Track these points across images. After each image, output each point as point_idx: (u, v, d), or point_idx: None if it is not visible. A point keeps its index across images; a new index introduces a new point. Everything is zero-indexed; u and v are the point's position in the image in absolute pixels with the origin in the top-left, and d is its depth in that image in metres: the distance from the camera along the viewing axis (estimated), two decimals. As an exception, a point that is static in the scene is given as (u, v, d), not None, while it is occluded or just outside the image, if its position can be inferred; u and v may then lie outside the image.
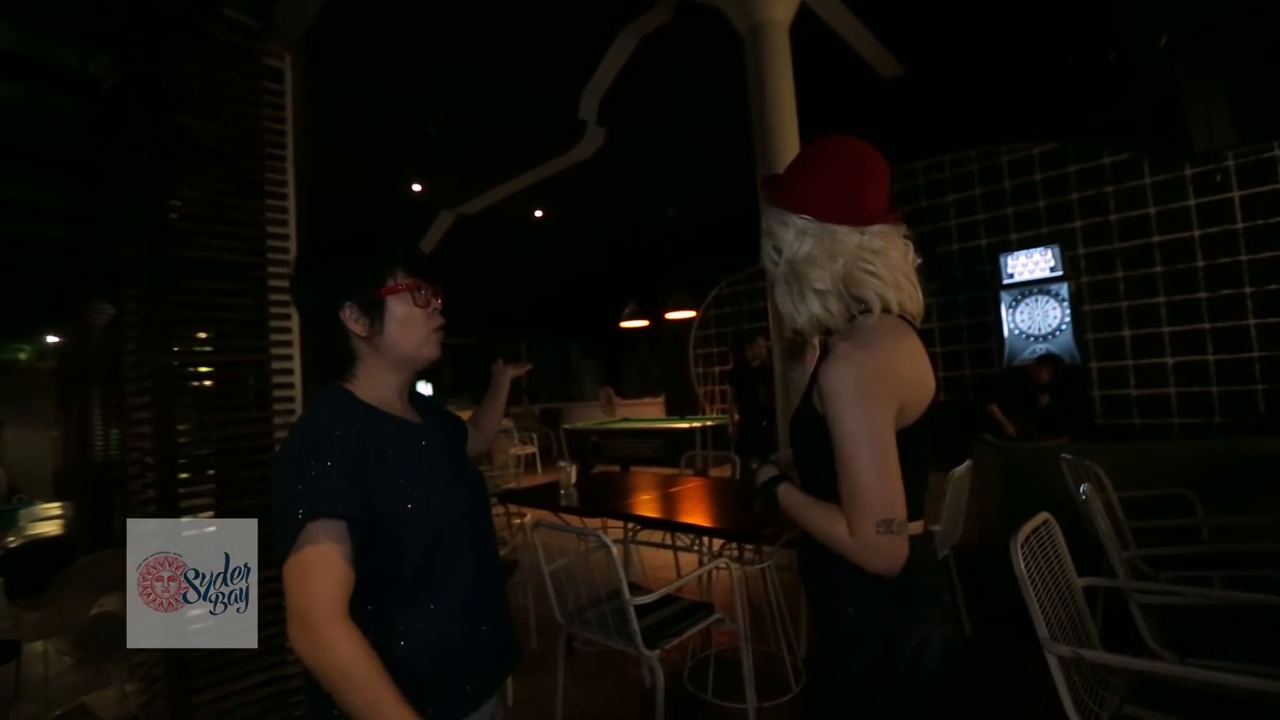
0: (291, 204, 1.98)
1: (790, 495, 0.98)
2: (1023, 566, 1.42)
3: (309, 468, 0.81)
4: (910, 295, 0.96)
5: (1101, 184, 5.92)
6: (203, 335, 1.77)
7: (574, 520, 3.41)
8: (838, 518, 0.87)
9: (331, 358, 0.95)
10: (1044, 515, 1.66)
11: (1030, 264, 6.20)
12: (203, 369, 1.77)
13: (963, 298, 6.67)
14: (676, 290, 7.94)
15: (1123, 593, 1.77)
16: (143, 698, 1.74)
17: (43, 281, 5.08)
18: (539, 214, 8.60)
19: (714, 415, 8.07)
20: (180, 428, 1.70)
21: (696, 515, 2.77)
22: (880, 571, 0.85)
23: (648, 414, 10.22)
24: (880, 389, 0.87)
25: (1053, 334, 6.06)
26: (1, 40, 2.95)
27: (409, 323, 0.93)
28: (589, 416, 10.53)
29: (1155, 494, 2.67)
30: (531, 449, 9.19)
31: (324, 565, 0.78)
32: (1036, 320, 6.17)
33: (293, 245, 1.98)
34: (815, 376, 0.96)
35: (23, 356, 9.44)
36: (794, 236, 0.95)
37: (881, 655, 0.91)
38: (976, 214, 6.70)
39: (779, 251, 0.98)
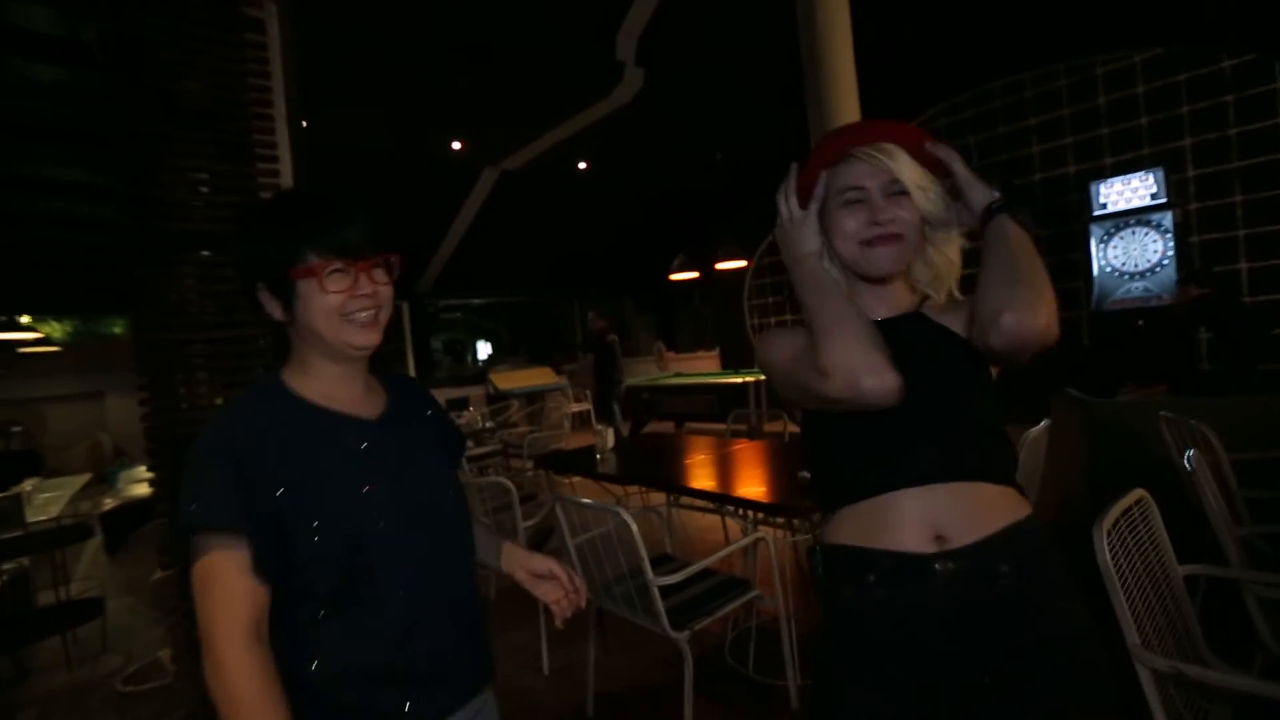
0: (286, 166, 1.86)
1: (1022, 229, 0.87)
2: (1108, 559, 1.18)
3: (201, 474, 0.75)
4: None
5: (1219, 93, 5.11)
6: (197, 311, 1.70)
7: (615, 487, 3.32)
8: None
9: (273, 340, 0.88)
10: (1138, 493, 1.38)
11: (1127, 191, 5.49)
12: (200, 344, 1.71)
13: (1045, 233, 6.01)
14: (726, 240, 7.58)
15: (1236, 583, 1.49)
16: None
17: (111, 259, 5.36)
18: (583, 166, 8.34)
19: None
20: (182, 406, 1.67)
21: (742, 481, 2.60)
22: (1044, 339, 0.80)
23: (703, 368, 10.02)
24: None
25: (1152, 270, 5.39)
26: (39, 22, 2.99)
27: (319, 309, 0.80)
28: (643, 372, 10.43)
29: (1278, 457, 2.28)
30: (586, 405, 9.22)
31: (221, 581, 0.73)
32: (1133, 255, 5.49)
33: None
34: (938, 327, 0.95)
35: (118, 330, 10.19)
36: None
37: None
38: (1064, 137, 5.97)
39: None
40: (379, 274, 0.84)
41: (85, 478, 6.25)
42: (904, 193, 0.91)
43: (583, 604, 1.02)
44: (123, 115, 1.56)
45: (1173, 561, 1.37)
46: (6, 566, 3.38)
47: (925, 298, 1.00)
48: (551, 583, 1.02)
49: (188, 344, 1.71)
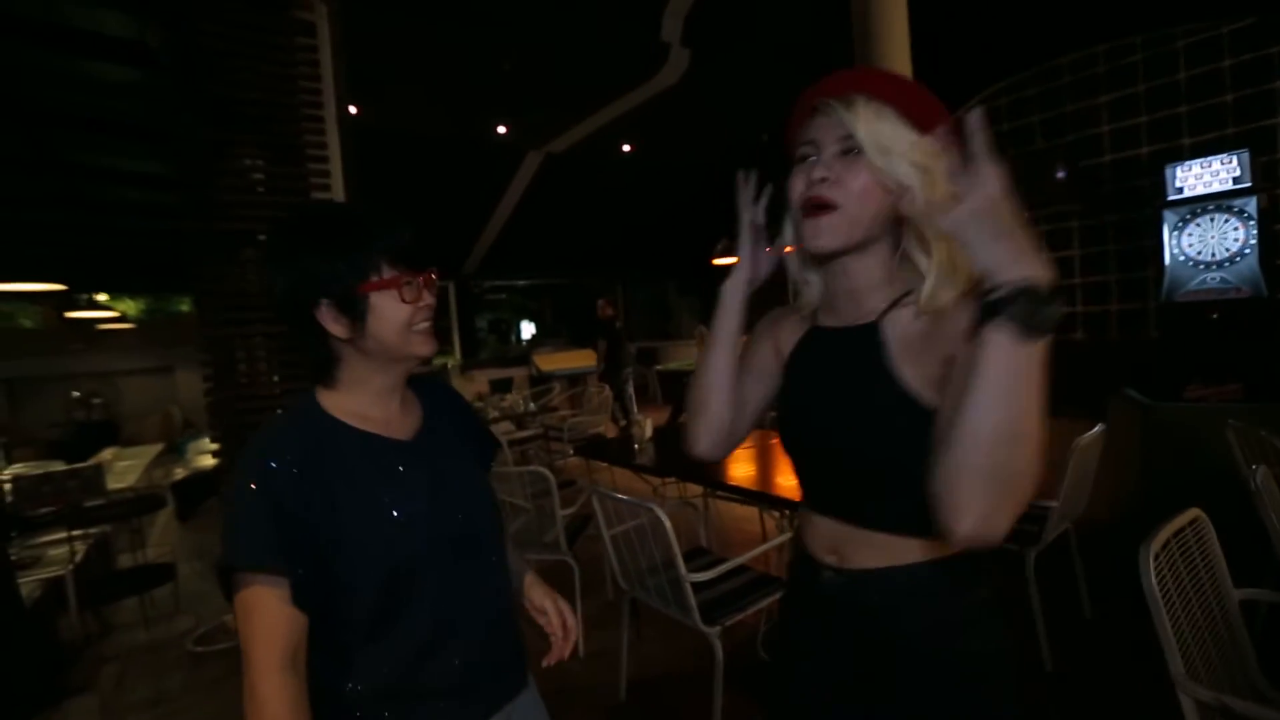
0: (336, 167, 1.92)
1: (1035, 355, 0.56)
2: (1154, 583, 1.14)
3: (240, 511, 0.75)
4: None
5: (1317, 65, 4.69)
6: (257, 305, 1.79)
7: (653, 477, 3.35)
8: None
9: (310, 360, 0.85)
10: (1193, 512, 1.33)
11: (1206, 175, 5.12)
12: (259, 338, 1.81)
13: (1112, 219, 5.66)
14: (771, 223, 7.45)
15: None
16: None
17: (177, 245, 5.70)
18: (627, 148, 8.29)
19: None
20: (242, 381, 1.80)
21: (780, 473, 2.60)
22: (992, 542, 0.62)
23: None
24: None
25: (1231, 260, 5.04)
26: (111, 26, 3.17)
27: (393, 321, 0.81)
28: (685, 356, 10.42)
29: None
30: (627, 390, 9.27)
31: (261, 612, 0.74)
32: (1210, 243, 5.13)
33: (343, 208, 1.96)
34: (876, 359, 0.79)
35: (185, 309, 10.76)
36: None
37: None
38: (1138, 116, 5.59)
39: None
40: (432, 285, 0.86)
41: (158, 447, 6.68)
42: (860, 152, 0.73)
43: (566, 654, 1.01)
44: (184, 119, 1.63)
45: (1228, 585, 1.32)
46: (92, 531, 3.68)
47: (905, 295, 0.79)
48: (546, 618, 1.02)
49: (249, 337, 1.81)
